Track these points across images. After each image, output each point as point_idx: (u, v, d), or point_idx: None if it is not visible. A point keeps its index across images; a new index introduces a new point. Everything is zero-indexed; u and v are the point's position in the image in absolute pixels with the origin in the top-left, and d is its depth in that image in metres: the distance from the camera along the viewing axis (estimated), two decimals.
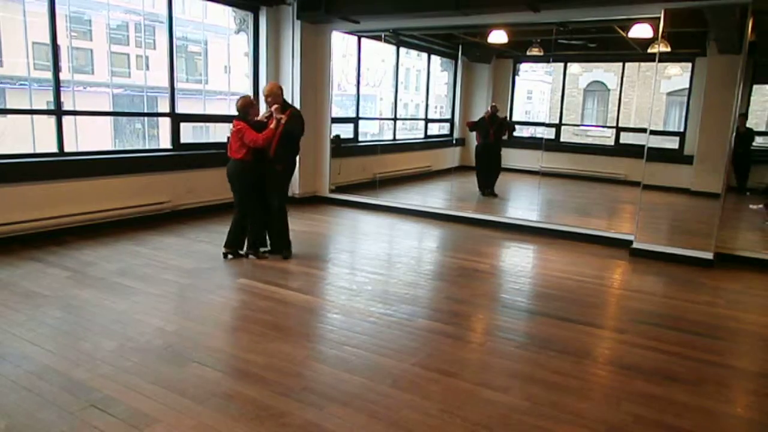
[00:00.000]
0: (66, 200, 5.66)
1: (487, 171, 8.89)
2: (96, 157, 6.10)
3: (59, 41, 5.66)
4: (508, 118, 9.40)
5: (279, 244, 5.35)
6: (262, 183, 5.15)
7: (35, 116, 7.09)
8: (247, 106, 5.09)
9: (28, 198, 5.37)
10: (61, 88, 5.77)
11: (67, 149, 5.83)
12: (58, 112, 5.75)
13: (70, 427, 2.48)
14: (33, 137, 6.60)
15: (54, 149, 5.77)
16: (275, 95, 5.08)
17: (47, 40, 5.63)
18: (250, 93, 7.89)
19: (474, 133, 9.15)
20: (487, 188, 8.84)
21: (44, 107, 6.61)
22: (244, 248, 5.28)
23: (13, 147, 5.95)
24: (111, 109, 15.16)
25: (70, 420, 2.53)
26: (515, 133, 9.27)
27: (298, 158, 5.40)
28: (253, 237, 5.29)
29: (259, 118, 5.17)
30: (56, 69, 5.68)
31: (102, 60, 17.99)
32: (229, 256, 5.21)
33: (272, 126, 4.96)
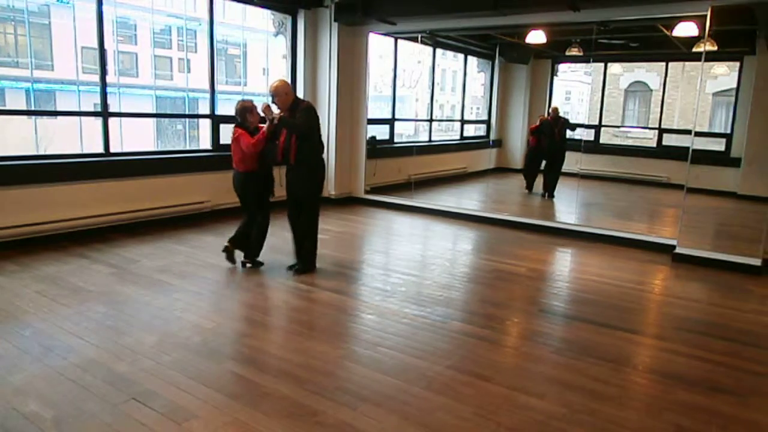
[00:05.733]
0: (111, 199, 5.85)
1: (549, 172, 9.00)
2: (139, 157, 6.28)
3: (106, 45, 5.86)
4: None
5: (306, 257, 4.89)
6: (269, 193, 4.85)
7: (83, 118, 7.36)
8: (245, 111, 4.67)
9: (76, 196, 5.57)
10: (108, 91, 5.96)
11: (112, 150, 6.03)
12: (104, 113, 5.94)
13: (113, 419, 2.56)
14: (81, 138, 6.85)
15: (100, 150, 5.97)
16: (281, 95, 4.54)
17: (95, 44, 5.84)
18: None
19: (511, 135, 9.19)
20: (548, 190, 8.90)
21: (91, 109, 6.85)
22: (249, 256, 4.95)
23: (62, 147, 6.20)
24: (154, 111, 15.64)
25: (113, 412, 2.61)
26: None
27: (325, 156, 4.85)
28: (256, 246, 4.92)
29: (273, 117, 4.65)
30: (103, 72, 5.88)
31: (146, 63, 18.54)
32: (248, 266, 4.93)
33: (264, 129, 4.56)
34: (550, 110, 9.19)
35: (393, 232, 7.03)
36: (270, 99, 4.64)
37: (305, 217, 4.81)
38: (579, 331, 3.86)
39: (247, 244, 4.93)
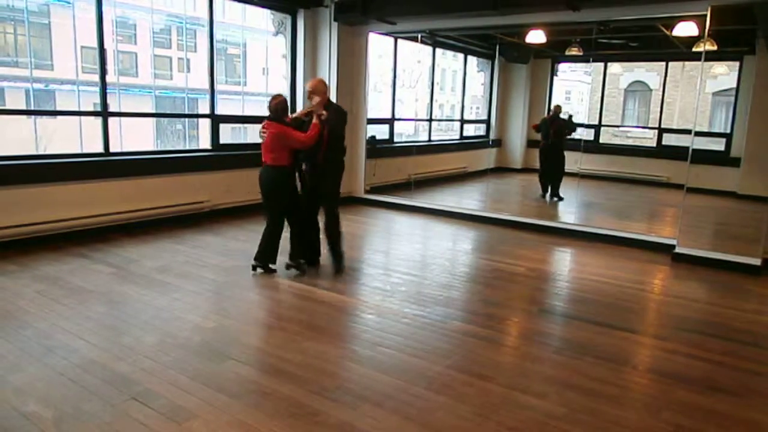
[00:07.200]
0: (111, 199, 5.84)
1: (548, 172, 8.88)
2: (139, 157, 6.27)
3: (106, 45, 5.85)
4: (571, 119, 9.35)
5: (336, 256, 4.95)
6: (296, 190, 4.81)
7: (82, 117, 7.36)
8: (285, 107, 4.61)
9: (75, 196, 5.57)
10: (107, 91, 5.95)
11: (112, 149, 6.02)
12: (104, 113, 5.94)
13: (113, 418, 2.56)
14: (80, 138, 6.85)
15: (100, 149, 5.97)
16: (320, 92, 4.62)
17: (95, 44, 5.83)
18: (287, 94, 7.99)
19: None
20: (551, 191, 8.80)
21: (91, 109, 6.84)
22: (287, 260, 4.83)
23: (62, 147, 6.20)
24: (153, 111, 15.66)
25: (113, 412, 2.62)
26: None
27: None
28: (296, 249, 4.82)
29: (296, 115, 4.79)
30: (103, 72, 5.87)
31: (145, 63, 18.52)
32: (259, 270, 4.78)
33: (316, 122, 4.52)
34: (552, 109, 9.18)
35: (393, 231, 7.03)
36: (307, 96, 4.71)
37: (328, 217, 4.83)
38: (579, 331, 3.86)
39: (302, 247, 4.85)
